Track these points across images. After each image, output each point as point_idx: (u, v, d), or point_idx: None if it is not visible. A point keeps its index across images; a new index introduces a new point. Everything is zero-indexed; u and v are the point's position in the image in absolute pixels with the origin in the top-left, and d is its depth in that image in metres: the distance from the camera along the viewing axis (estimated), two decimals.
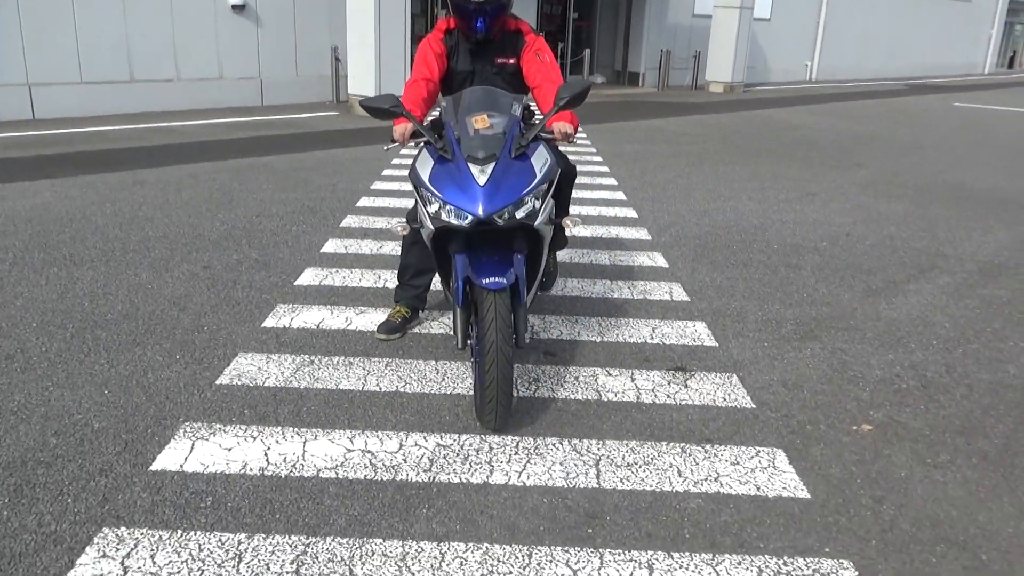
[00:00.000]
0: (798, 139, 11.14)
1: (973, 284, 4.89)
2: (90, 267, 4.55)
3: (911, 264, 5.25)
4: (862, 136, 11.73)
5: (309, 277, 4.52)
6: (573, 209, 6.09)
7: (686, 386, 3.33)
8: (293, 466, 2.63)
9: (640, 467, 2.72)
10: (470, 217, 2.70)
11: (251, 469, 2.60)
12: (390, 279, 4.46)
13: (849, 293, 4.62)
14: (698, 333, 3.90)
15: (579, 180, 3.86)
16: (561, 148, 3.64)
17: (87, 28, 10.65)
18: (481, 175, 2.73)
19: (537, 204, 2.82)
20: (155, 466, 2.60)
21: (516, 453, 2.77)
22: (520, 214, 2.76)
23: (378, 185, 7.04)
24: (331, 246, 5.15)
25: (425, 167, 2.86)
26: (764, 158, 9.34)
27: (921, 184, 8.08)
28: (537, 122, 3.06)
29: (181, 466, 2.60)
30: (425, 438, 2.85)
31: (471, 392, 3.17)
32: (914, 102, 18.42)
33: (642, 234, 5.71)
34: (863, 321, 4.18)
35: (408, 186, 3.01)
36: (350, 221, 5.78)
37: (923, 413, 3.21)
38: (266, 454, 2.70)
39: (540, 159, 2.90)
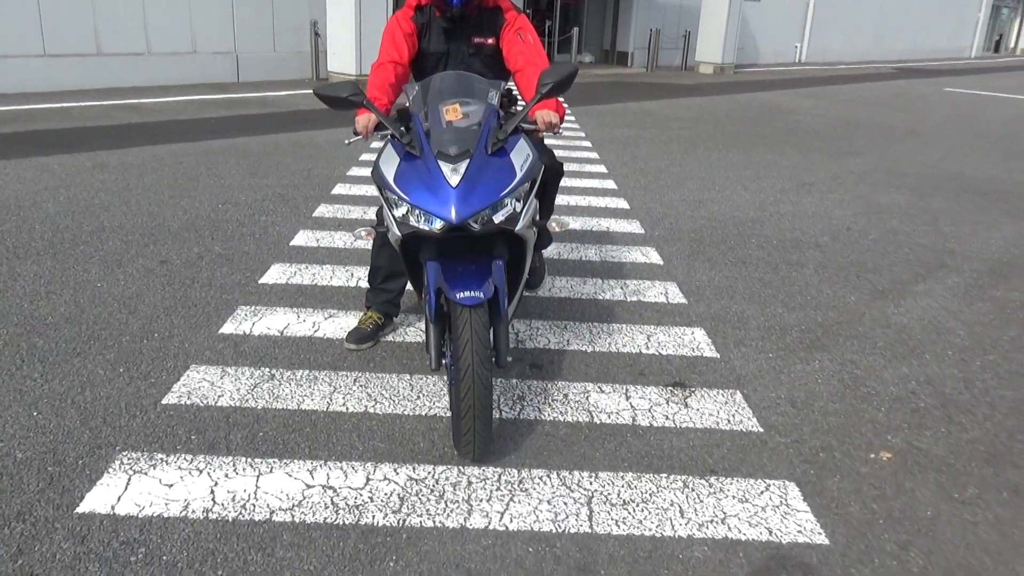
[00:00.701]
0: (791, 124, 10.83)
1: (984, 285, 4.61)
2: (35, 261, 4.16)
3: (917, 262, 4.97)
4: (856, 122, 11.44)
5: (276, 274, 4.16)
6: (561, 199, 5.77)
7: (686, 405, 3.03)
8: (243, 507, 2.30)
9: (637, 506, 2.41)
10: (441, 223, 2.35)
11: (194, 511, 2.27)
12: (363, 277, 4.11)
13: (855, 295, 4.32)
14: (697, 342, 3.59)
15: (568, 167, 3.52)
16: (547, 141, 3.29)
17: None
18: (453, 174, 2.38)
19: (518, 206, 2.48)
20: (82, 507, 2.26)
21: (498, 489, 2.45)
22: (499, 218, 2.42)
23: (356, 171, 6.66)
24: (301, 238, 4.78)
25: (390, 165, 2.50)
26: (758, 144, 9.03)
27: (920, 174, 7.80)
28: (518, 111, 2.71)
29: (113, 508, 2.26)
30: (395, 470, 2.52)
31: (449, 412, 2.85)
32: (905, 86, 18.15)
33: (634, 227, 5.38)
34: (872, 328, 3.89)
35: None
36: (323, 211, 5.41)
37: (945, 437, 2.93)
38: (212, 492, 2.36)
39: (521, 154, 2.55)
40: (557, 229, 2.64)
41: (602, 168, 7.26)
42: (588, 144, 8.44)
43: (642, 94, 13.79)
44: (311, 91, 11.50)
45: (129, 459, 2.50)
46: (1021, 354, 3.69)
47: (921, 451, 2.82)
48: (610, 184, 6.62)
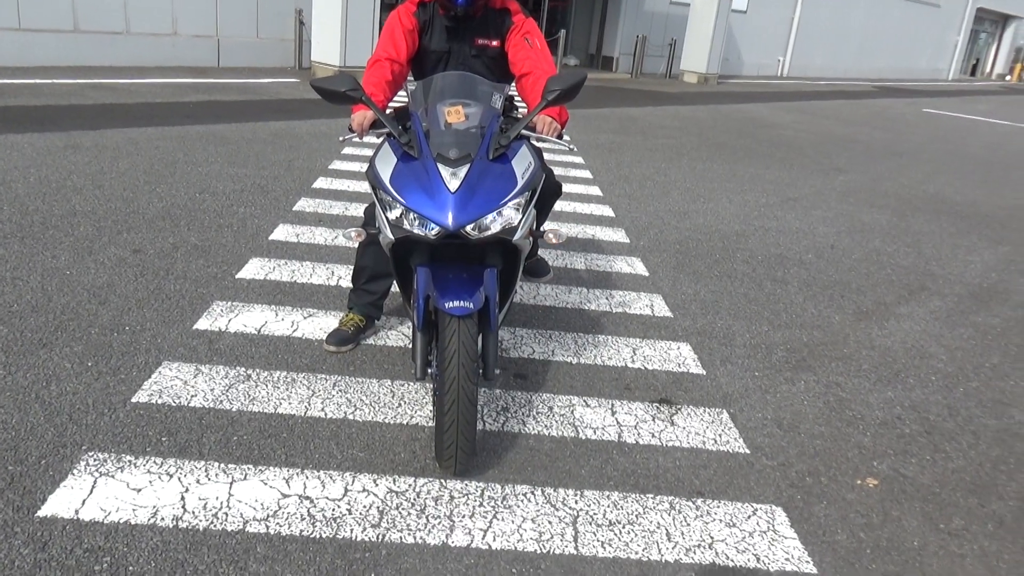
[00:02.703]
0: (775, 138, 10.88)
1: (965, 310, 4.63)
2: (1, 245, 3.99)
3: (900, 284, 4.98)
4: (839, 138, 11.53)
5: (254, 269, 4.04)
6: None
7: (672, 423, 2.97)
8: (215, 516, 2.20)
9: (624, 527, 2.35)
10: (437, 228, 2.27)
11: (163, 519, 2.16)
12: (345, 276, 4.01)
13: (840, 315, 4.31)
14: (683, 358, 3.54)
15: (553, 171, 3.43)
16: (545, 155, 3.22)
17: None
18: (452, 179, 2.30)
19: (517, 215, 2.40)
20: (44, 511, 2.14)
21: (481, 505, 2.38)
22: (496, 227, 2.34)
23: (338, 164, 6.53)
24: (281, 232, 4.66)
25: (386, 165, 2.41)
26: (742, 157, 9.04)
27: (902, 194, 7.86)
28: (520, 117, 2.63)
29: (77, 512, 2.15)
30: (375, 481, 2.43)
31: (431, 422, 2.77)
32: (885, 105, 18.38)
33: (619, 236, 5.33)
34: (857, 349, 3.88)
35: None
36: (304, 204, 5.28)
37: (930, 466, 2.91)
38: (183, 498, 2.26)
39: (523, 162, 2.48)
40: (555, 241, 2.57)
41: (587, 173, 7.21)
42: (573, 148, 8.38)
43: (626, 100, 13.79)
44: (299, 80, 11.30)
45: (95, 460, 2.38)
46: (1003, 382, 3.70)
47: (907, 479, 2.80)
48: (595, 191, 6.58)
